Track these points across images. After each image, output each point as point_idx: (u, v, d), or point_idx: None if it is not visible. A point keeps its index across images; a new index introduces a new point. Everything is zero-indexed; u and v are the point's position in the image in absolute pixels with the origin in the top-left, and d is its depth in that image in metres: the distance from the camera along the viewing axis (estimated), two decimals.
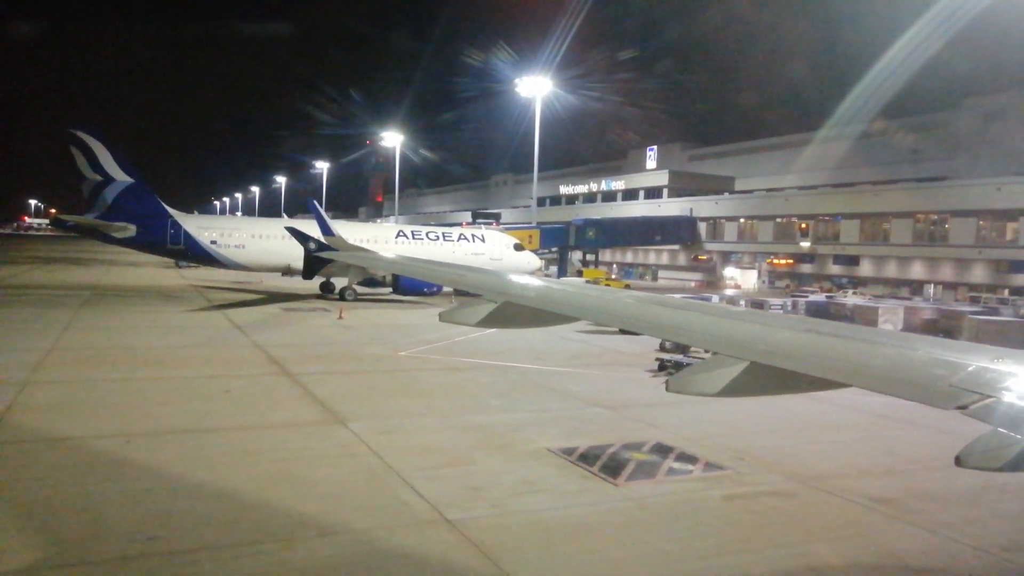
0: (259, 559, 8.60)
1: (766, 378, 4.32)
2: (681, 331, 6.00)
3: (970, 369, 3.76)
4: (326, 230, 38.43)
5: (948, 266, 61.72)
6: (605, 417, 16.56)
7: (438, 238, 48.63)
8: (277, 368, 20.93)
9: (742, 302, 40.47)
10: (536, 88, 64.61)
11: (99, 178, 42.88)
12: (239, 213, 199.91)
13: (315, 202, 43.07)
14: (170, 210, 44.83)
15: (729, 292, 68.88)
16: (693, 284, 79.47)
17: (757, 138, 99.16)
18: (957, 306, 41.82)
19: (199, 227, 44.82)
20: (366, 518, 9.96)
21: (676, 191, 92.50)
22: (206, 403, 16.47)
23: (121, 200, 43.16)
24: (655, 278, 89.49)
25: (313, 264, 39.92)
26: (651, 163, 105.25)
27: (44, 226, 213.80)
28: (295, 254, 41.52)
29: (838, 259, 70.70)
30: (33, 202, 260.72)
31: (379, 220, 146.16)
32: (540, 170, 70.10)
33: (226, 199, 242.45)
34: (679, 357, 23.19)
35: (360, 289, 42.75)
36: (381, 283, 43.58)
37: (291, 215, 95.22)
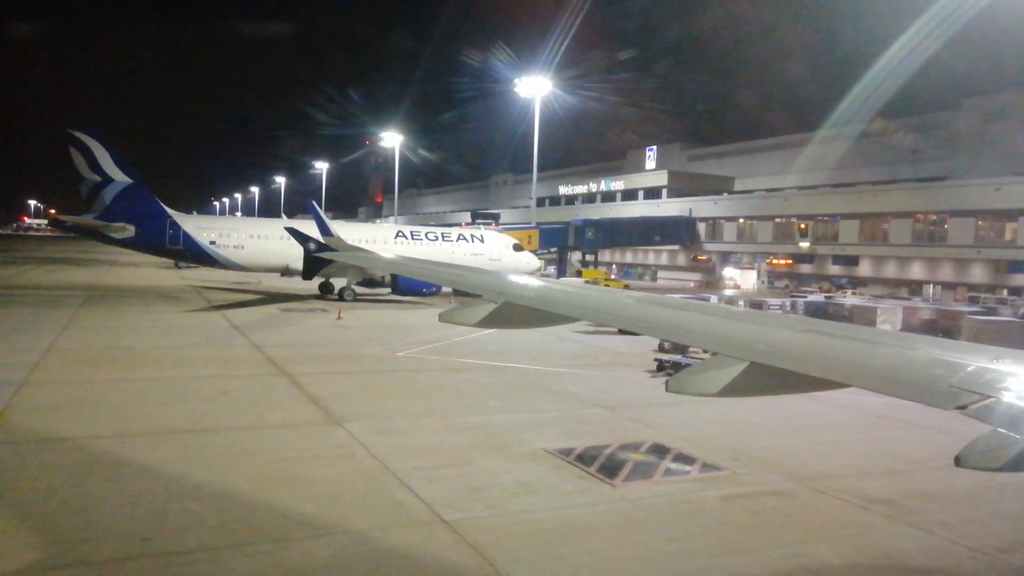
0: (255, 559, 8.57)
1: (766, 378, 4.31)
2: (680, 331, 5.99)
3: (970, 369, 3.74)
4: (325, 230, 38.43)
5: (947, 266, 61.74)
6: (603, 418, 16.54)
7: (437, 238, 48.60)
8: (275, 368, 20.90)
9: (741, 302, 40.45)
10: (535, 88, 64.61)
11: (98, 178, 42.84)
12: (239, 213, 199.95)
13: (313, 202, 43.06)
14: (169, 210, 44.79)
15: (728, 292, 68.89)
16: (692, 284, 79.48)
17: (756, 138, 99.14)
18: (956, 306, 41.80)
19: (198, 227, 44.78)
20: (363, 519, 9.93)
21: (675, 191, 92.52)
22: (204, 403, 16.44)
23: (120, 200, 43.12)
24: (654, 278, 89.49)
25: (312, 264, 39.95)
26: (650, 163, 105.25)
27: (43, 226, 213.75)
28: (294, 254, 41.52)
29: (837, 259, 70.70)
30: (32, 202, 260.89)
31: (378, 220, 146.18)
32: (539, 170, 70.12)
33: (226, 199, 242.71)
34: (677, 357, 23.17)
35: (359, 289, 42.74)
36: (380, 283, 43.60)
37: (291, 215, 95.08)
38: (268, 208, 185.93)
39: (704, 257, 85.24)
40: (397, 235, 48.46)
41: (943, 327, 34.35)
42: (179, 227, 43.74)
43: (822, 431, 16.17)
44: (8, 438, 13.16)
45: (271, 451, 12.93)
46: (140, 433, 13.74)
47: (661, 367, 22.54)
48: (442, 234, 49.94)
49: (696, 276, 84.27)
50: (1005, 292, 56.11)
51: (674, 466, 12.80)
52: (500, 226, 76.87)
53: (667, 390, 4.45)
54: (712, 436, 14.90)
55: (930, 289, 61.39)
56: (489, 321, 6.46)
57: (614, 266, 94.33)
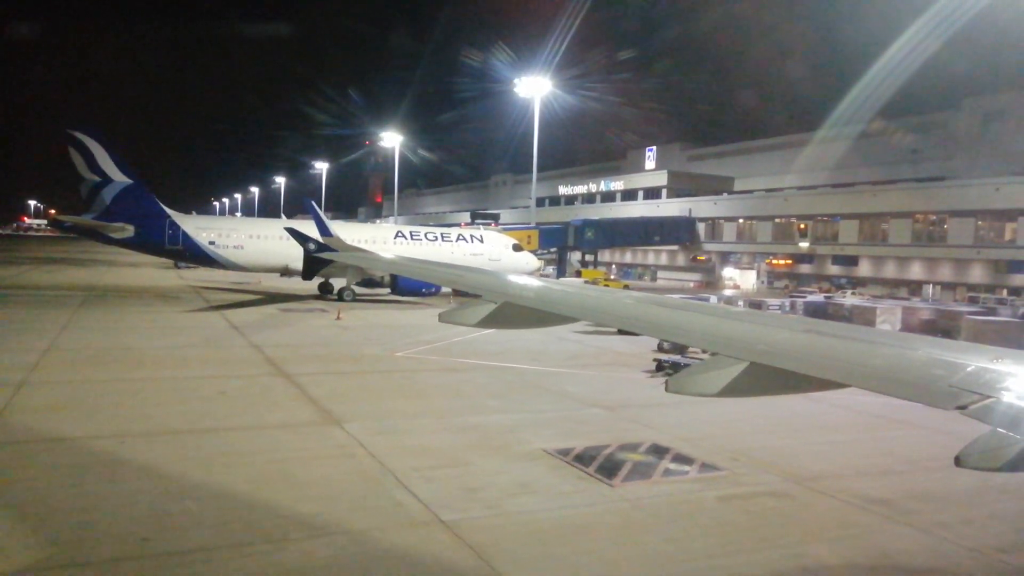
0: (253, 560, 8.56)
1: (765, 378, 4.30)
2: (680, 331, 5.98)
3: (969, 369, 3.73)
4: (324, 230, 38.41)
5: (947, 266, 61.76)
6: (602, 418, 16.52)
7: (436, 239, 48.57)
8: (274, 369, 20.89)
9: (740, 302, 40.44)
10: (535, 88, 64.61)
11: (97, 179, 42.82)
12: (239, 214, 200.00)
13: (312, 202, 43.04)
14: (168, 210, 44.76)
15: (727, 292, 68.90)
16: (692, 284, 79.50)
17: (756, 138, 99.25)
18: (955, 306, 41.80)
19: (197, 228, 44.76)
20: (361, 519, 9.91)
21: (675, 191, 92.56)
22: (203, 404, 16.43)
23: (119, 201, 43.10)
24: (654, 279, 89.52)
25: (312, 265, 39.93)
26: (650, 163, 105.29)
27: (43, 227, 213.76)
28: (293, 255, 41.50)
29: (837, 259, 70.72)
30: (32, 203, 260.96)
31: (378, 220, 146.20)
32: (539, 170, 70.13)
33: (225, 200, 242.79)
34: (676, 358, 23.16)
35: (358, 290, 42.72)
36: (379, 283, 43.57)
37: (290, 216, 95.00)
38: (268, 208, 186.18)
39: (704, 257, 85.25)
40: (396, 235, 48.42)
41: (942, 327, 34.34)
42: (178, 227, 43.71)
43: (821, 431, 16.15)
44: (7, 438, 13.14)
45: (270, 451, 12.92)
46: (139, 433, 13.72)
47: (660, 367, 22.53)
48: (441, 234, 49.92)
49: (696, 276, 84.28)
50: (1005, 292, 56.13)
51: (673, 466, 12.79)
52: (500, 226, 76.90)
53: (667, 390, 4.44)
54: (711, 436, 14.89)
55: (929, 289, 61.41)
56: (488, 321, 6.45)
57: (614, 266, 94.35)
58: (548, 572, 8.72)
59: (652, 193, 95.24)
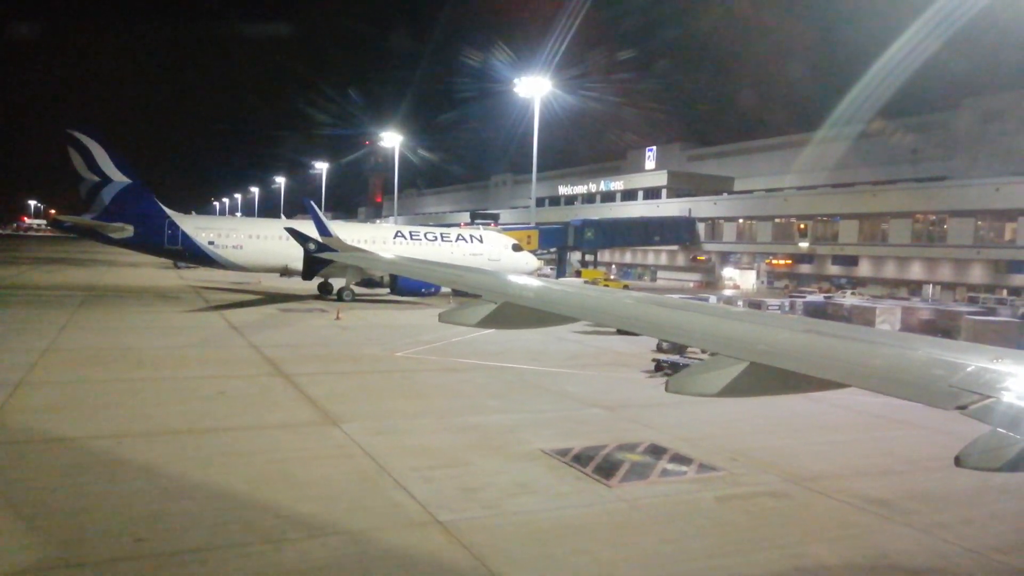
0: (251, 560, 8.54)
1: (765, 378, 4.29)
2: (680, 331, 5.97)
3: (969, 369, 3.72)
4: (323, 230, 38.40)
5: (946, 266, 61.76)
6: (601, 418, 16.51)
7: (436, 239, 48.56)
8: (273, 369, 20.87)
9: (740, 302, 40.42)
10: (535, 88, 64.61)
11: (96, 179, 42.81)
12: (239, 214, 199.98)
13: (312, 202, 43.03)
14: (168, 210, 44.75)
15: (727, 292, 68.90)
16: (692, 285, 79.50)
17: (756, 138, 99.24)
18: (955, 306, 41.79)
19: (197, 227, 44.74)
20: (359, 519, 9.90)
21: (675, 191, 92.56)
22: (202, 404, 16.41)
23: (119, 201, 43.08)
24: (654, 279, 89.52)
25: (312, 265, 39.92)
26: (650, 163, 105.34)
27: (43, 227, 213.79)
28: (293, 255, 41.50)
29: (837, 259, 70.72)
30: (32, 203, 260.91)
31: (378, 221, 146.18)
32: (539, 170, 70.13)
33: (225, 200, 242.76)
34: (675, 358, 23.15)
35: (358, 290, 42.71)
36: (379, 284, 43.54)
37: (290, 216, 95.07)
38: (268, 208, 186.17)
39: (703, 257, 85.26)
40: (396, 235, 48.41)
41: (942, 327, 34.34)
42: (178, 227, 43.70)
43: (820, 431, 16.14)
44: (5, 438, 13.11)
45: (268, 451, 12.90)
46: (137, 433, 13.70)
47: (659, 367, 22.52)
48: (441, 234, 49.91)
49: (696, 276, 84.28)
50: (1004, 292, 56.14)
51: (671, 467, 12.77)
52: (499, 226, 76.89)
53: (667, 390, 4.43)
54: (710, 436, 14.87)
55: (929, 289, 61.41)
56: (488, 321, 6.44)
57: (613, 266, 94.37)
58: (545, 572, 8.70)
59: (652, 193, 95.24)
